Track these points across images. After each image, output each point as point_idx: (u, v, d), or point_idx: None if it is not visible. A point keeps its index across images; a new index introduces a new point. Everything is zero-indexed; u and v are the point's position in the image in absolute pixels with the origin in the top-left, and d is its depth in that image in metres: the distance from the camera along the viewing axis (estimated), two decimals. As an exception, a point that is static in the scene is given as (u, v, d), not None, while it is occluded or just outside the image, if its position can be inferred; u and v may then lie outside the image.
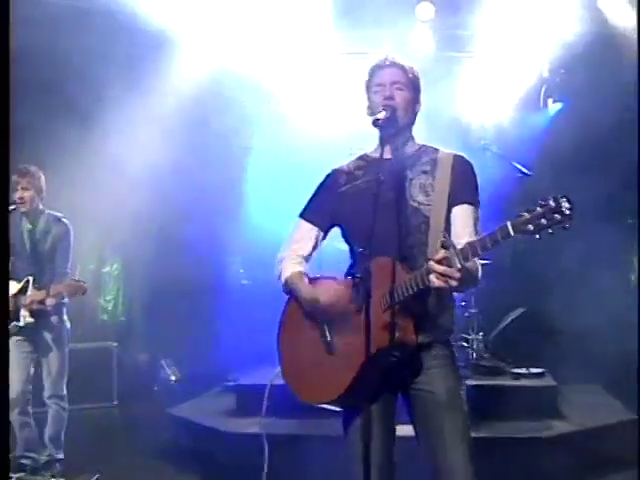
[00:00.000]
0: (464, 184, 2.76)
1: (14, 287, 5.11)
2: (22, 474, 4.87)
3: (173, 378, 8.22)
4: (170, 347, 8.54)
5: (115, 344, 7.73)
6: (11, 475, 4.76)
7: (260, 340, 8.15)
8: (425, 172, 2.78)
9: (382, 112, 2.66)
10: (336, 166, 3.00)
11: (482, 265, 2.71)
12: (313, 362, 2.75)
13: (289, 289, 2.86)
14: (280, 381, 6.05)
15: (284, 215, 8.22)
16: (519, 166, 6.73)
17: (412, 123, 2.86)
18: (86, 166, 7.07)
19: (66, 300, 5.29)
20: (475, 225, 2.75)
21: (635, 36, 7.04)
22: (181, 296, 8.84)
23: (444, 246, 2.43)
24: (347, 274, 2.82)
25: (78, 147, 7.09)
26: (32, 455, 5.16)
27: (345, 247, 2.96)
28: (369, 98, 2.85)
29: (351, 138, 7.55)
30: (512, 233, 2.26)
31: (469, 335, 6.45)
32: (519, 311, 6.52)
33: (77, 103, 7.34)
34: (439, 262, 2.40)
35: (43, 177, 5.30)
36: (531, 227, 2.22)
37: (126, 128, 7.42)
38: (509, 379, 6.05)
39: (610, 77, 7.26)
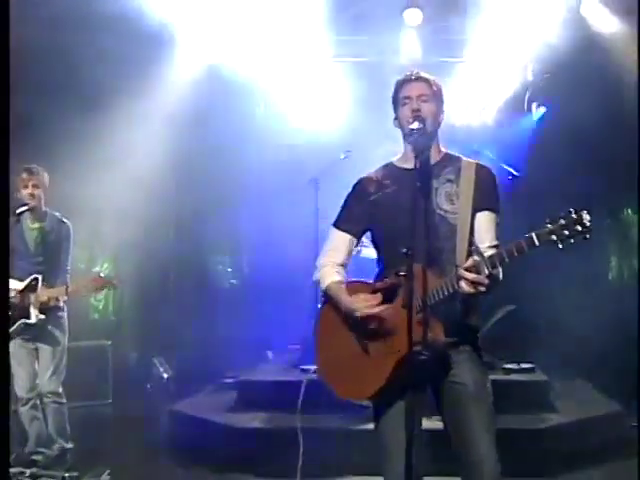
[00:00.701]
0: (486, 192, 2.93)
1: (18, 285, 5.20)
2: (35, 469, 4.96)
3: (166, 376, 8.30)
4: (161, 345, 8.63)
5: (109, 342, 7.80)
6: (24, 470, 4.86)
7: (249, 337, 8.41)
8: (450, 180, 2.95)
9: (415, 122, 2.81)
10: (364, 175, 3.14)
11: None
12: (349, 362, 2.90)
13: (328, 296, 3.03)
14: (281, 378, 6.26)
15: (271, 216, 8.47)
16: (509, 168, 6.96)
17: (437, 132, 3.03)
18: (76, 164, 7.10)
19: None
20: (496, 230, 2.93)
21: (617, 41, 7.34)
22: (171, 295, 8.98)
23: (473, 254, 2.62)
24: (376, 278, 3.00)
25: (68, 145, 7.13)
26: (43, 450, 5.26)
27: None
28: (397, 110, 3.00)
29: (343, 139, 7.82)
30: (537, 243, 2.46)
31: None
32: (508, 308, 6.70)
33: (70, 102, 7.42)
34: (468, 270, 2.59)
35: (47, 177, 5.41)
36: (554, 237, 2.42)
37: (118, 128, 7.48)
38: (500, 374, 6.23)
39: (593, 81, 7.49)
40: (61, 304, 5.28)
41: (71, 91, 7.32)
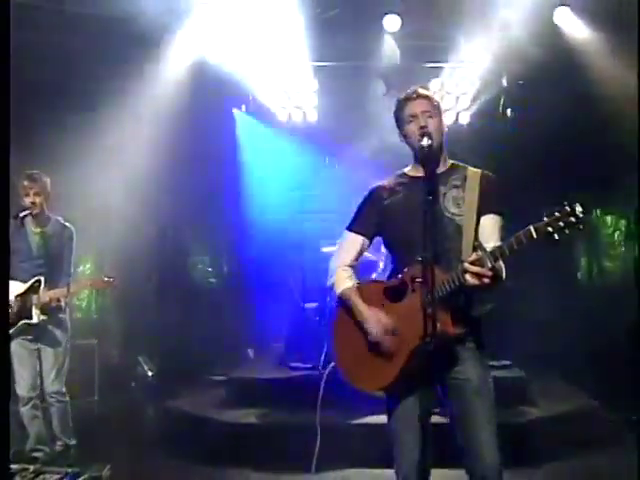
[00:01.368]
0: (491, 197, 3.18)
1: (20, 287, 5.34)
2: (38, 465, 5.05)
3: (150, 373, 8.42)
4: (144, 344, 8.74)
5: (96, 341, 7.90)
6: (27, 467, 4.96)
7: (229, 335, 8.56)
8: (456, 186, 3.20)
9: (424, 139, 3.04)
10: (378, 183, 3.36)
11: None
12: (365, 356, 3.13)
13: (343, 301, 3.26)
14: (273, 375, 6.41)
15: (252, 213, 8.62)
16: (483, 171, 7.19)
17: (442, 143, 3.25)
18: (57, 164, 7.18)
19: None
20: (500, 232, 3.16)
21: (589, 50, 7.62)
22: (152, 294, 9.07)
23: (477, 249, 2.84)
24: (390, 275, 3.25)
25: (49, 145, 7.23)
26: (43, 448, 5.40)
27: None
28: (403, 127, 3.24)
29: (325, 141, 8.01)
30: (535, 235, 2.70)
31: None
32: (488, 307, 6.92)
33: (56, 104, 7.50)
34: (473, 263, 2.82)
35: (49, 183, 5.52)
36: (550, 229, 2.66)
37: (102, 128, 7.56)
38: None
39: (565, 87, 7.79)
40: (63, 305, 5.42)
41: (61, 91, 7.39)
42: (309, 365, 6.55)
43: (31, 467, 4.95)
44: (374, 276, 6.63)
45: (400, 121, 3.26)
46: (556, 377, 7.36)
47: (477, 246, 2.86)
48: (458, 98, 8.55)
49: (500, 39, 7.82)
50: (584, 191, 8.19)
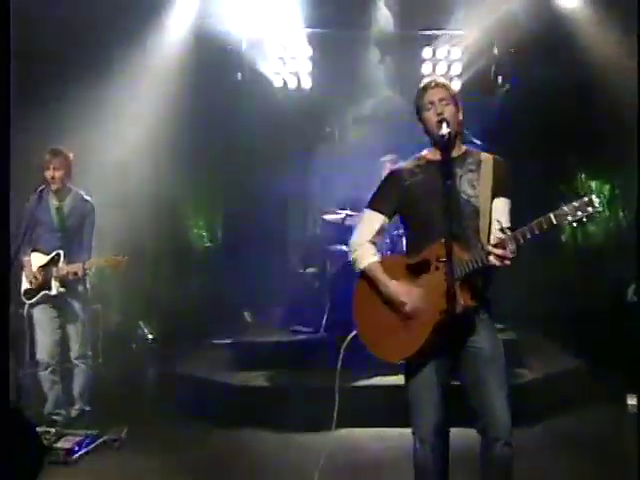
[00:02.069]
0: (502, 181, 3.40)
1: (42, 259, 5.57)
2: (59, 428, 5.30)
3: (150, 337, 8.63)
4: (144, 308, 8.93)
5: (100, 306, 8.06)
6: (49, 429, 5.20)
7: (226, 299, 8.75)
8: (472, 170, 3.42)
9: (443, 128, 3.27)
10: (397, 166, 3.59)
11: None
12: (388, 327, 3.34)
13: (368, 275, 3.45)
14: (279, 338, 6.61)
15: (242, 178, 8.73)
16: (473, 139, 7.38)
17: (458, 130, 3.46)
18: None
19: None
20: (509, 214, 3.39)
21: (580, 18, 7.82)
22: (148, 260, 9.20)
23: (501, 232, 3.07)
24: (407, 251, 3.49)
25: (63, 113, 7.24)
26: (61, 412, 5.63)
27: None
28: (422, 114, 3.44)
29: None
30: (555, 222, 2.95)
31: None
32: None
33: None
34: (496, 246, 3.06)
35: (72, 157, 5.67)
36: (570, 218, 2.93)
37: (105, 97, 7.63)
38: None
39: (556, 56, 7.98)
40: (80, 278, 5.60)
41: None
42: (311, 329, 6.78)
43: (52, 430, 5.20)
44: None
45: (419, 108, 3.45)
46: (540, 338, 7.63)
47: (500, 229, 3.09)
48: (450, 65, 8.69)
49: (492, 8, 8.00)
50: (569, 157, 8.51)
